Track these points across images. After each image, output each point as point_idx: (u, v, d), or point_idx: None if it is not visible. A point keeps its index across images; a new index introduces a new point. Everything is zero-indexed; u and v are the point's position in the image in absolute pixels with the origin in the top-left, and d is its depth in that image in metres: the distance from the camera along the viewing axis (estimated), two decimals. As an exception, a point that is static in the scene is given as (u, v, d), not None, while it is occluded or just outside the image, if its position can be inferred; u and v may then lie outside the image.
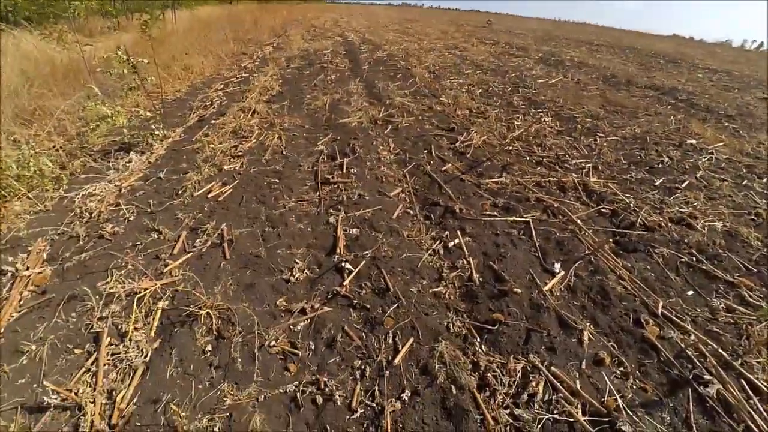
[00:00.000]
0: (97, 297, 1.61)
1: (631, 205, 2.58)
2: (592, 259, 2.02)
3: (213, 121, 3.82)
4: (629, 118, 4.67)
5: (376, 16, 26.21)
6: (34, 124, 3.38)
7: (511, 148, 3.40)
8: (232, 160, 3.02)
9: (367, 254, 1.92)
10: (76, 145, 3.16)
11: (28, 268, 1.77)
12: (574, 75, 7.22)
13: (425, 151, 3.23)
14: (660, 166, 3.33)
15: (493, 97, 5.12)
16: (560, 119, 4.32)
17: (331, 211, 2.32)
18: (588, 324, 1.61)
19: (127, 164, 2.91)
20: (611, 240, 2.24)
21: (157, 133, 3.37)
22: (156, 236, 2.07)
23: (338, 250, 1.94)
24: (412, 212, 2.37)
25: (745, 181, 3.21)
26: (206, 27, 10.95)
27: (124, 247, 1.96)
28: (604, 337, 1.57)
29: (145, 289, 1.67)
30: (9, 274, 1.74)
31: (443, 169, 2.93)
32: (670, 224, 2.42)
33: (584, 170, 3.07)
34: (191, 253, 1.93)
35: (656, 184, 2.96)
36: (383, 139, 3.49)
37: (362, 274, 1.80)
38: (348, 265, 1.81)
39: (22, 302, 1.62)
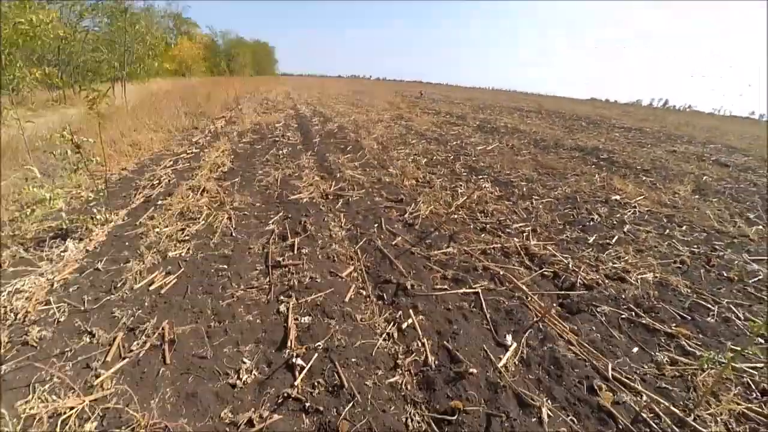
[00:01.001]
0: (15, 421, 1.41)
1: (570, 265, 2.74)
2: (541, 326, 2.08)
3: (160, 202, 3.70)
4: (559, 179, 5.09)
5: (327, 88, 27.62)
6: None
7: (456, 216, 3.57)
8: (178, 245, 2.89)
9: (319, 345, 1.86)
10: (8, 233, 2.91)
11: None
12: (508, 141, 7.88)
13: (376, 225, 3.30)
14: (591, 223, 3.61)
15: (438, 165, 5.44)
16: (499, 184, 4.64)
17: (282, 298, 2.26)
18: (545, 399, 1.62)
19: (63, 254, 2.68)
20: (556, 304, 2.34)
21: (98, 216, 3.18)
22: (88, 340, 1.88)
23: (289, 344, 1.87)
24: (364, 292, 2.36)
25: (667, 231, 3.56)
26: (157, 101, 11.00)
27: (51, 355, 1.77)
28: (562, 411, 1.58)
29: (71, 408, 1.49)
30: None
31: (394, 242, 2.99)
32: (607, 281, 2.59)
33: (524, 234, 3.26)
34: (127, 359, 1.77)
35: (590, 241, 3.19)
36: (335, 215, 3.54)
37: (315, 369, 1.72)
38: (300, 361, 1.73)
39: None
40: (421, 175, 4.86)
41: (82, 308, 2.12)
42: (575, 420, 1.54)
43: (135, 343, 1.88)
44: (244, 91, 18.93)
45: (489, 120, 11.60)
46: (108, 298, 2.23)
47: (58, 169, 3.78)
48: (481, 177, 4.92)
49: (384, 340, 1.94)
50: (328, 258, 2.75)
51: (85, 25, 12.97)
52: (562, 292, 2.44)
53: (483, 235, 3.22)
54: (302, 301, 2.21)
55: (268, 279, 2.47)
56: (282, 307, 2.16)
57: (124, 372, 1.72)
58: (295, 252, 2.80)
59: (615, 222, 3.69)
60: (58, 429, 1.42)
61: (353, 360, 1.79)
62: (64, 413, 1.48)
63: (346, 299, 2.25)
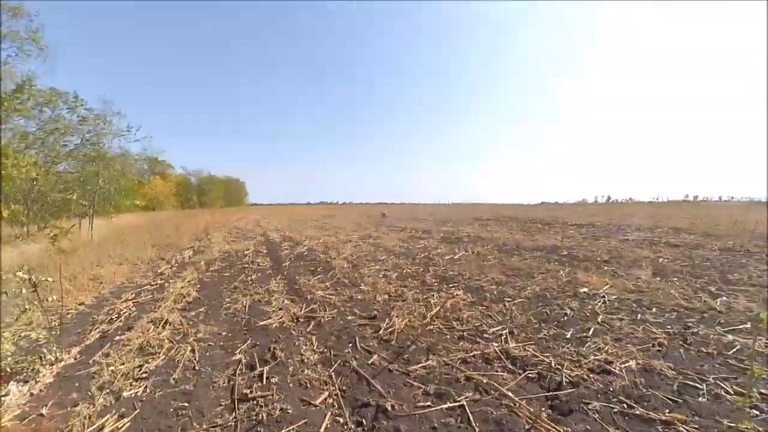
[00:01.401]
0: None
1: (553, 363, 2.67)
2: (534, 435, 1.94)
3: (117, 338, 3.45)
4: (527, 279, 5.24)
5: (296, 214, 28.73)
6: None
7: (432, 327, 3.50)
8: (134, 383, 2.63)
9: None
10: None
11: None
12: (473, 248, 8.21)
13: (350, 345, 3.17)
14: (565, 318, 3.64)
15: (408, 278, 5.50)
16: (470, 291, 4.70)
17: (249, 436, 2.03)
18: None
19: (3, 398, 2.40)
20: (546, 406, 2.21)
21: (48, 356, 2.92)
22: None
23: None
24: (341, 419, 2.15)
25: (639, 315, 3.64)
26: (124, 235, 10.98)
27: None
28: None
29: None
30: None
31: (370, 361, 2.85)
32: (591, 375, 2.51)
33: (502, 337, 3.21)
34: None
35: (567, 336, 3.17)
36: (306, 338, 3.38)
37: None
38: None
39: None
40: (392, 289, 4.87)
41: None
42: None
43: None
44: (214, 221, 19.34)
45: (452, 231, 12.20)
46: (46, 455, 1.93)
47: (9, 305, 3.56)
48: (452, 285, 4.98)
49: (366, 474, 1.73)
50: (300, 385, 2.56)
51: (60, 168, 13.44)
52: (550, 393, 2.33)
53: (461, 343, 3.14)
54: (272, 439, 1.98)
55: (233, 415, 2.24)
56: (249, 448, 1.92)
57: None
58: (264, 382, 2.60)
59: (588, 314, 3.74)
60: None
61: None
62: None
63: (321, 430, 2.04)
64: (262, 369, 2.77)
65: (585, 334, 3.22)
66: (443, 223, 16.26)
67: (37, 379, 2.69)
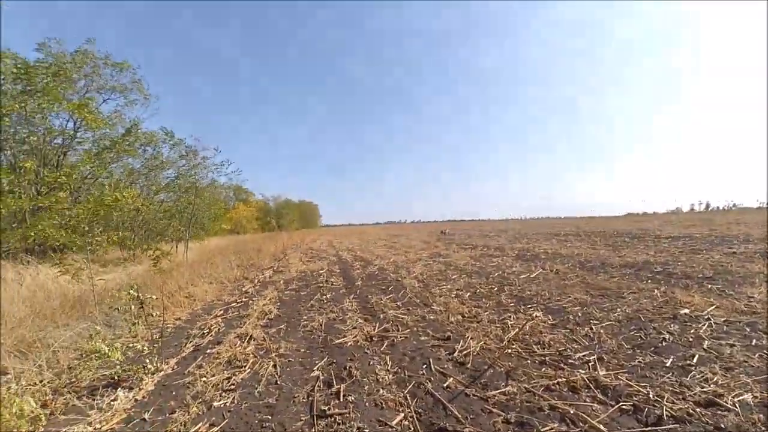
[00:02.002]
0: None
1: (650, 395, 2.39)
2: (633, 477, 1.74)
3: (209, 351, 3.78)
4: (616, 299, 4.80)
5: (366, 235, 29.37)
6: (30, 356, 3.33)
7: (510, 350, 3.33)
8: (223, 395, 2.84)
9: None
10: (65, 380, 3.07)
11: None
12: (551, 266, 7.72)
13: (424, 366, 3.13)
14: (664, 344, 3.26)
15: (482, 298, 5.32)
16: (551, 312, 4.41)
17: (329, 454, 2.07)
18: None
19: (113, 402, 2.75)
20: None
21: (149, 366, 3.29)
22: None
23: None
24: (418, 443, 2.12)
25: (754, 341, 3.14)
26: (214, 256, 12.08)
27: None
28: None
29: None
30: None
31: (445, 384, 2.78)
32: (698, 409, 2.21)
33: (590, 363, 2.95)
34: None
35: (667, 365, 2.83)
36: (380, 358, 3.41)
37: None
38: None
39: None
40: (466, 310, 4.74)
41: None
42: None
43: None
44: (290, 243, 20.47)
45: (527, 248, 11.60)
46: (152, 455, 2.15)
47: (120, 321, 4.07)
48: (530, 306, 4.72)
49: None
50: (376, 405, 2.57)
51: (160, 198, 15.36)
52: (649, 429, 2.08)
53: (543, 368, 2.94)
54: (351, 457, 2.00)
55: (313, 430, 2.31)
56: (329, 465, 1.96)
57: None
58: (341, 399, 2.66)
59: (691, 339, 3.30)
60: None
61: None
62: None
63: (399, 452, 2.02)
64: (339, 386, 2.83)
65: (688, 362, 2.85)
66: (517, 240, 15.55)
67: (141, 387, 3.03)
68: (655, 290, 5.06)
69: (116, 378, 3.12)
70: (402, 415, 2.43)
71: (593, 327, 3.79)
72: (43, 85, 9.33)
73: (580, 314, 4.26)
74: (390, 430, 2.26)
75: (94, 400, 2.80)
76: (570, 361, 3.04)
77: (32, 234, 8.38)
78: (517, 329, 3.80)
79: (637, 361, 2.95)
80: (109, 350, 3.11)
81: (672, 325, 3.68)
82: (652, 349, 3.17)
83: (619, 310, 4.32)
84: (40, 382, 2.98)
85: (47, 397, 2.78)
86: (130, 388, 2.99)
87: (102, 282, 5.81)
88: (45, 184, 9.70)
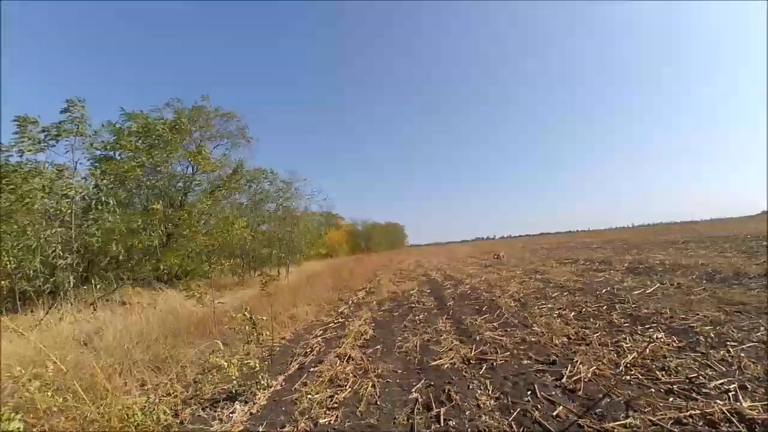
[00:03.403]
0: None
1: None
2: None
3: (312, 369, 4.01)
4: (757, 316, 4.06)
5: (454, 253, 28.84)
6: (163, 370, 3.84)
7: (629, 377, 2.97)
8: (327, 412, 2.98)
9: None
10: (191, 393, 3.48)
11: None
12: (671, 279, 6.78)
13: (529, 392, 2.93)
14: (829, 371, 2.62)
15: (590, 318, 4.84)
16: (676, 333, 3.85)
17: (435, 481, 2.02)
18: None
19: (231, 415, 3.05)
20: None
21: (262, 382, 3.58)
22: None
23: None
24: (530, 476, 1.97)
25: None
26: (311, 279, 12.91)
27: None
28: None
29: None
30: None
31: (554, 413, 2.56)
32: None
33: (730, 393, 2.50)
34: None
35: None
36: (479, 381, 3.27)
37: None
38: None
39: None
40: (572, 331, 4.35)
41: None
42: None
43: None
44: (380, 264, 20.95)
45: (639, 260, 10.30)
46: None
47: (235, 340, 4.50)
48: (648, 326, 4.17)
49: None
50: (479, 431, 2.46)
51: (263, 228, 17.02)
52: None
53: (671, 398, 2.56)
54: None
55: (417, 456, 2.28)
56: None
57: None
58: (442, 424, 2.60)
59: None
60: None
61: None
62: None
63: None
64: (438, 410, 2.78)
65: None
66: (625, 251, 13.94)
67: (255, 401, 3.32)
68: (814, 305, 4.14)
69: (234, 392, 3.45)
70: (509, 444, 2.28)
71: (731, 350, 3.22)
72: (164, 138, 11.05)
73: (712, 335, 3.65)
74: (496, 460, 2.14)
75: (215, 411, 3.15)
76: (704, 390, 2.61)
77: (161, 265, 9.89)
78: (635, 353, 3.38)
79: (795, 392, 2.42)
80: (227, 365, 3.45)
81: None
82: (815, 377, 2.58)
83: (762, 328, 3.62)
84: (172, 393, 3.42)
85: (178, 407, 3.18)
86: (246, 402, 3.30)
87: (220, 305, 6.54)
88: (171, 222, 11.33)
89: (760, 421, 2.15)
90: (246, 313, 4.07)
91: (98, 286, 8.35)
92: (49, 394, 2.66)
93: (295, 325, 6.33)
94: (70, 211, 7.47)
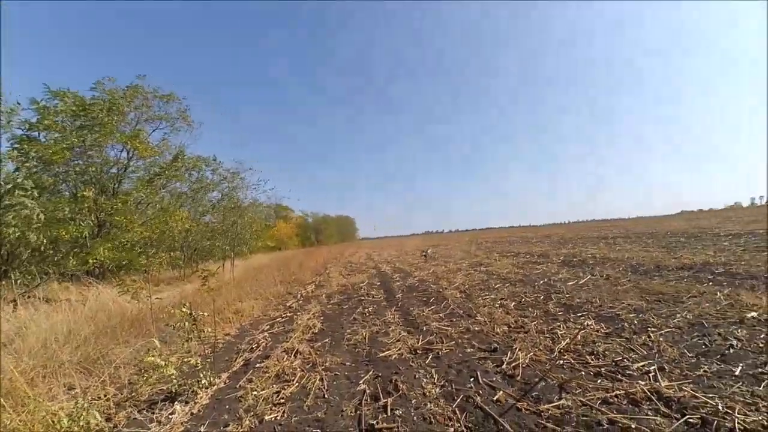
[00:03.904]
0: None
1: (720, 406, 2.22)
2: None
3: (257, 365, 3.91)
4: (674, 304, 4.53)
5: (404, 246, 29.31)
6: (94, 372, 3.57)
7: (562, 361, 3.21)
8: (273, 408, 2.92)
9: None
10: (126, 395, 3.28)
11: None
12: (601, 271, 7.38)
13: (471, 379, 3.07)
14: (731, 351, 3.04)
15: (529, 308, 5.15)
16: (603, 320, 4.20)
17: (381, 469, 2.07)
18: None
19: (170, 416, 2.90)
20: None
21: (203, 381, 3.43)
22: None
23: None
24: (471, 458, 2.08)
25: None
26: (258, 273, 12.52)
27: None
28: None
29: None
30: None
31: (495, 398, 2.71)
32: (778, 425, 2.02)
33: (650, 374, 2.79)
34: None
35: (736, 373, 2.63)
36: (425, 371, 3.38)
37: None
38: None
39: None
40: (512, 320, 4.61)
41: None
42: None
43: None
44: (330, 257, 20.80)
45: (573, 253, 11.12)
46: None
47: (174, 337, 4.29)
48: (580, 314, 4.52)
49: None
50: (425, 419, 2.54)
51: (206, 219, 16.19)
52: (722, 447, 1.93)
53: (599, 380, 2.80)
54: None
55: (364, 447, 2.32)
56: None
57: None
58: (389, 413, 2.65)
59: (761, 345, 3.05)
60: None
61: None
62: None
63: (452, 468, 1.99)
64: (386, 400, 2.83)
65: (761, 370, 2.63)
66: (561, 245, 14.96)
67: (196, 401, 3.18)
68: (718, 293, 4.72)
69: (173, 392, 3.29)
70: (452, 429, 2.39)
71: (651, 335, 3.58)
72: (99, 120, 10.16)
73: (636, 321, 4.04)
74: (441, 444, 2.23)
75: (153, 413, 2.98)
76: (628, 372, 2.88)
77: (91, 259, 9.10)
78: (568, 339, 3.66)
79: (702, 370, 2.76)
80: (164, 364, 3.28)
81: (739, 330, 3.42)
82: (719, 356, 2.96)
83: (678, 315, 4.06)
84: (104, 396, 3.20)
85: (111, 411, 2.98)
86: (186, 402, 3.15)
87: (158, 300, 6.17)
88: (103, 211, 10.47)
89: (676, 399, 2.41)
90: (185, 309, 3.88)
91: (18, 282, 7.55)
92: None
93: (240, 321, 6.13)
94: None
